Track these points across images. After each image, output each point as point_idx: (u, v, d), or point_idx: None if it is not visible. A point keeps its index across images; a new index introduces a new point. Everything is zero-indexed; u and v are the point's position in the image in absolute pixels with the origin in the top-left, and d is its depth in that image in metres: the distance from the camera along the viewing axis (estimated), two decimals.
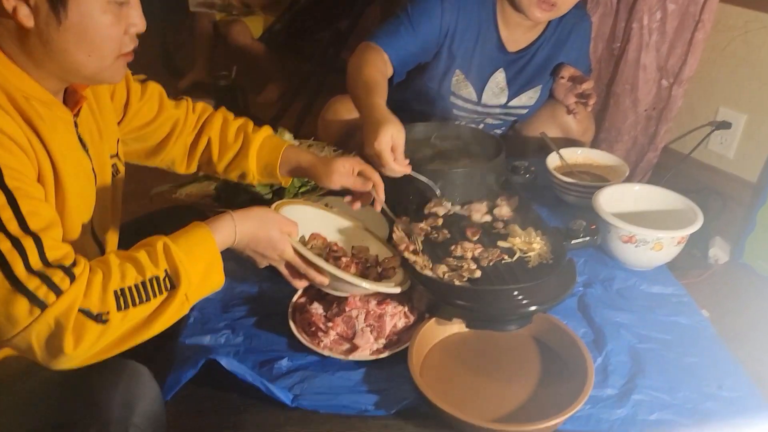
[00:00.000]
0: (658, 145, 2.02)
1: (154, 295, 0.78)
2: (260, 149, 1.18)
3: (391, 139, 1.14)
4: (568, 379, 0.96)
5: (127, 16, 0.82)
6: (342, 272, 0.98)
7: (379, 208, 1.17)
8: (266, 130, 1.21)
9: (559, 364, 1.01)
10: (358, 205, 1.19)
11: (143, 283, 0.77)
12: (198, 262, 0.83)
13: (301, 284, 1.02)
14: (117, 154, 1.03)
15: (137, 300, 0.76)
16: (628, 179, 2.13)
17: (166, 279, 0.79)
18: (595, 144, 2.17)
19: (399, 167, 1.16)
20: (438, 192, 1.24)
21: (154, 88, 1.14)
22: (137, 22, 0.83)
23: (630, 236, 1.18)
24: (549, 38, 1.63)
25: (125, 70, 0.89)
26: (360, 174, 1.16)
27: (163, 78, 3.30)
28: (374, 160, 1.16)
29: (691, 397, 0.95)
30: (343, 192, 1.24)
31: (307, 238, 1.12)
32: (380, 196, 1.16)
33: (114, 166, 1.01)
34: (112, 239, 1.04)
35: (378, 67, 1.42)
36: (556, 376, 0.98)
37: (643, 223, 1.21)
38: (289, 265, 0.99)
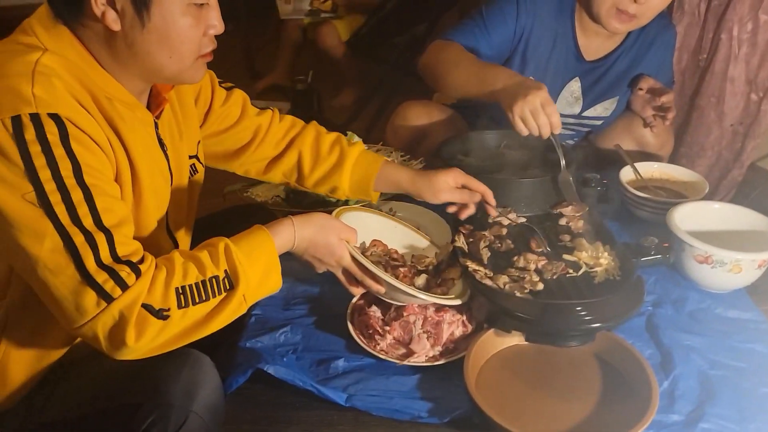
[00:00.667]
0: (744, 161, 1.91)
1: (214, 295, 0.81)
2: (356, 164, 1.19)
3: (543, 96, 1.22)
4: (631, 401, 0.92)
5: (206, 18, 0.85)
6: (398, 282, 0.98)
7: (494, 213, 1.19)
8: (360, 145, 1.23)
9: (621, 385, 0.97)
10: (466, 213, 1.20)
11: (203, 282, 0.80)
12: (257, 264, 0.85)
13: (357, 291, 1.03)
14: (196, 155, 1.08)
15: (197, 298, 0.79)
16: (710, 197, 2.02)
17: (226, 279, 0.82)
18: (675, 159, 2.08)
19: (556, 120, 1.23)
20: (563, 163, 1.27)
21: (239, 96, 1.17)
22: (216, 24, 0.87)
23: (706, 256, 1.13)
24: (629, 48, 1.57)
25: (205, 70, 0.93)
26: (464, 186, 1.18)
27: (242, 80, 3.41)
28: (525, 120, 1.23)
29: (763, 428, 0.90)
30: (407, 197, 1.25)
31: (367, 245, 1.13)
32: (491, 200, 1.18)
33: (192, 166, 1.06)
34: (185, 236, 1.09)
35: (473, 56, 1.45)
36: (618, 397, 0.95)
37: (721, 243, 1.14)
38: (347, 272, 1.00)
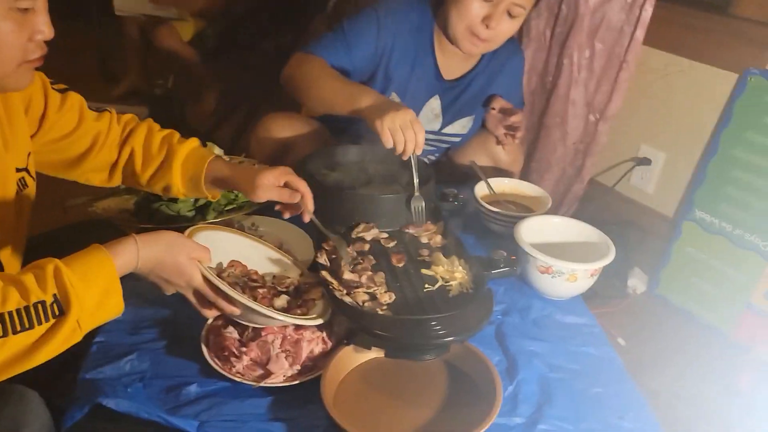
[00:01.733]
0: (584, 177, 2.10)
1: (39, 322, 0.74)
2: (185, 161, 1.15)
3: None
4: (479, 404, 0.96)
5: (32, 22, 0.79)
6: (254, 303, 0.95)
7: (308, 218, 1.16)
8: (193, 142, 1.18)
9: (472, 390, 1.02)
10: (288, 214, 1.18)
11: (27, 309, 0.73)
12: (93, 287, 0.79)
13: (210, 313, 0.99)
14: (26, 167, 0.98)
15: (18, 326, 0.72)
16: (556, 209, 2.22)
17: (54, 305, 0.75)
18: (526, 174, 2.24)
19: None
20: (417, 185, 1.30)
21: (75, 99, 1.09)
22: (44, 29, 0.80)
23: (547, 267, 1.22)
24: (483, 69, 1.67)
25: (32, 76, 0.86)
26: (287, 185, 1.14)
27: (95, 84, 3.18)
28: (394, 133, 1.26)
29: (594, 427, 0.98)
30: (271, 211, 1.23)
31: (225, 266, 1.09)
32: (309, 206, 1.15)
33: (21, 180, 0.97)
34: (13, 257, 0.99)
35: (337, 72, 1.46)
36: (467, 401, 0.99)
37: (561, 254, 1.24)
38: (198, 293, 0.96)
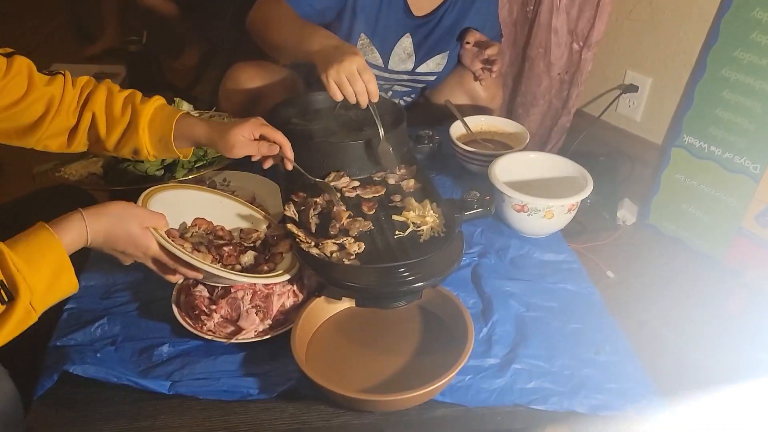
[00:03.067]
0: (570, 108, 2.05)
1: None
2: (151, 122, 1.10)
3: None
4: (453, 348, 0.96)
5: None
6: (214, 267, 0.94)
7: (290, 166, 1.14)
8: (157, 101, 1.13)
9: (446, 335, 1.01)
10: (269, 163, 1.16)
11: None
12: (41, 268, 0.77)
13: (175, 278, 0.97)
14: None
15: None
16: (544, 144, 2.17)
17: (1, 290, 0.73)
18: (512, 108, 2.19)
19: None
20: (382, 133, 1.25)
21: (22, 63, 1.04)
22: None
23: (522, 205, 1.19)
24: (454, 2, 1.60)
25: None
26: (262, 137, 1.11)
27: (70, 44, 3.08)
28: (341, 85, 1.21)
29: (569, 364, 0.98)
30: (243, 165, 1.19)
31: (188, 225, 1.07)
32: (288, 154, 1.13)
33: None
34: None
35: (296, 15, 1.39)
36: (442, 345, 0.99)
37: (540, 191, 1.21)
38: (158, 261, 0.94)
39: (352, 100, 1.23)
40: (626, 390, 0.94)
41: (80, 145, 1.14)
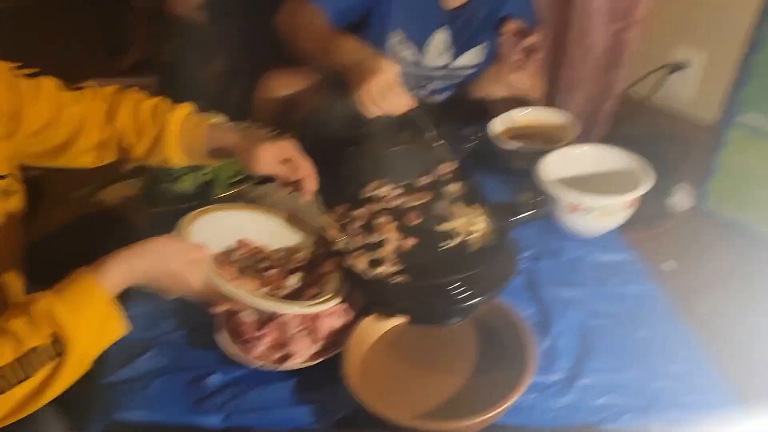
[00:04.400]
0: (614, 92, 1.95)
1: (41, 366, 0.71)
2: (181, 129, 1.06)
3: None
4: (513, 366, 0.91)
5: None
6: (261, 300, 0.90)
7: (307, 197, 1.09)
8: (185, 108, 1.09)
9: (504, 350, 0.96)
10: (285, 190, 1.11)
11: (22, 358, 0.69)
12: (89, 317, 0.75)
13: (220, 310, 0.94)
14: (6, 174, 0.93)
15: (14, 379, 0.69)
16: (590, 131, 2.08)
17: (51, 347, 0.71)
18: (551, 96, 2.10)
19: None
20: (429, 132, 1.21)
21: (50, 84, 1.01)
22: None
23: (574, 205, 1.12)
24: None
25: None
26: (287, 161, 1.06)
27: (101, 58, 3.09)
28: (374, 104, 1.17)
29: (639, 376, 0.91)
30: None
31: (232, 247, 1.04)
32: (308, 186, 1.07)
33: (2, 190, 0.92)
34: (13, 274, 0.95)
35: (322, 21, 1.34)
36: (501, 362, 0.93)
37: (592, 187, 1.14)
38: (203, 295, 0.91)
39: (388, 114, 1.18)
40: (704, 402, 0.87)
41: (111, 156, 1.11)
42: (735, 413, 0.86)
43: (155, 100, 1.09)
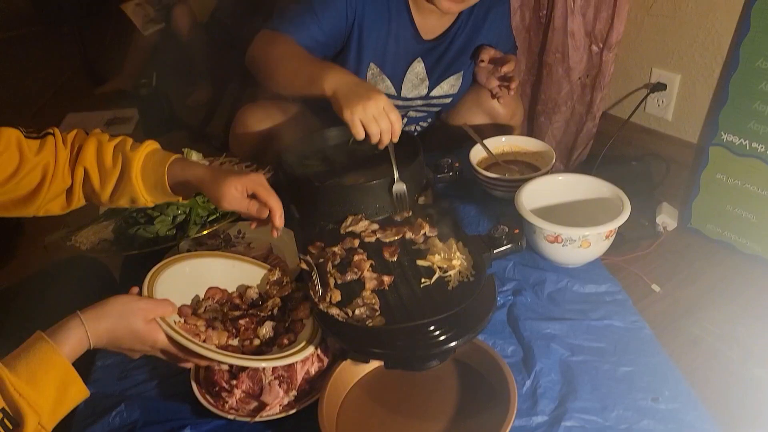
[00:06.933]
0: (595, 113, 1.94)
1: None
2: (144, 168, 1.03)
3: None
4: (495, 408, 0.88)
5: None
6: (227, 356, 0.86)
7: (275, 234, 1.05)
8: (149, 146, 1.06)
9: (486, 391, 0.93)
10: (255, 226, 1.08)
11: None
12: (46, 386, 0.72)
13: (188, 365, 0.91)
14: None
15: None
16: (571, 152, 2.07)
17: (5, 420, 0.68)
18: (533, 117, 2.10)
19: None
20: (396, 175, 1.18)
21: (11, 135, 0.98)
22: None
23: (555, 236, 1.11)
24: (465, 22, 1.52)
25: None
26: (254, 197, 1.03)
27: (84, 87, 3.07)
28: (367, 125, 1.15)
29: (625, 415, 0.89)
30: None
31: (202, 297, 1.01)
32: (277, 222, 1.03)
33: None
34: None
35: (303, 49, 1.33)
36: (483, 404, 0.91)
37: (571, 216, 1.13)
38: (168, 352, 0.88)
39: (375, 140, 1.17)
40: None
41: (79, 201, 1.08)
42: None
43: (117, 139, 1.06)
